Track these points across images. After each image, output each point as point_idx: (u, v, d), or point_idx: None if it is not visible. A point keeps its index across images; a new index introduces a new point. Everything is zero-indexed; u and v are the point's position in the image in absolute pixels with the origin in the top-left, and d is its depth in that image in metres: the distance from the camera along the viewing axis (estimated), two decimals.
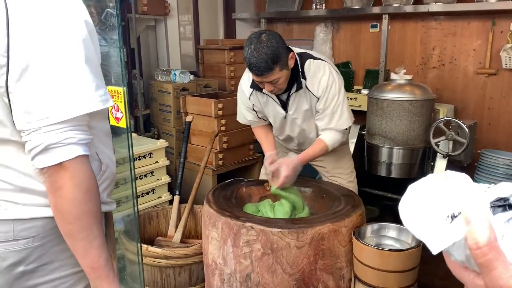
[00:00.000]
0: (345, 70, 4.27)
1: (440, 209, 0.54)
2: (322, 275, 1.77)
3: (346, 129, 2.20)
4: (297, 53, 2.05)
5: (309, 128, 2.24)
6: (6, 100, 0.89)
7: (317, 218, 1.80)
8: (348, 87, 4.22)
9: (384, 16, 3.68)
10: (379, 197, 3.62)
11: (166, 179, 2.92)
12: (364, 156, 3.50)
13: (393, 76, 3.26)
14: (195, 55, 4.28)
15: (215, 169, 3.25)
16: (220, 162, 3.26)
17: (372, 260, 1.64)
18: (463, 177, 0.58)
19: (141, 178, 2.77)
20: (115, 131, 1.92)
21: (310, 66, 2.05)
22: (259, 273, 1.76)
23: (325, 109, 2.08)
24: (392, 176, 3.34)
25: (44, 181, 0.93)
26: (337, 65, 4.30)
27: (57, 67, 0.88)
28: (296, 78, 2.04)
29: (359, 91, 4.04)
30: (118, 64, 1.80)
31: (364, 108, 3.70)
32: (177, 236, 2.57)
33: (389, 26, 3.79)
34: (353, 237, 1.72)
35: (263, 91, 2.07)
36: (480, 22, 3.48)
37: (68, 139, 0.89)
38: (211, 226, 1.89)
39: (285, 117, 2.19)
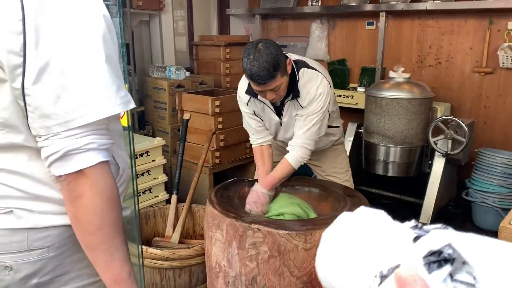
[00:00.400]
0: (341, 67, 4.25)
1: (366, 265, 0.47)
2: None
3: (310, 145, 2.08)
4: (293, 60, 2.03)
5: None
6: (22, 104, 0.82)
7: (324, 219, 1.77)
8: (344, 85, 4.21)
9: (381, 13, 3.66)
10: (376, 195, 3.61)
11: (163, 178, 2.86)
12: (362, 154, 3.48)
13: (391, 74, 3.24)
14: (189, 51, 4.21)
15: (211, 167, 3.20)
16: (217, 161, 3.20)
17: None
18: (381, 216, 0.52)
19: (138, 177, 2.70)
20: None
21: (303, 74, 2.03)
22: (265, 276, 1.72)
23: (303, 115, 2.05)
24: (390, 174, 3.33)
25: (61, 188, 0.86)
26: (333, 63, 4.29)
27: (77, 67, 0.81)
28: (293, 86, 2.00)
29: (355, 88, 4.01)
30: (120, 60, 1.74)
31: (360, 106, 3.69)
32: (175, 237, 2.52)
33: (386, 24, 3.77)
34: None
35: (258, 97, 2.05)
36: (477, 20, 3.48)
37: (88, 144, 0.83)
38: (215, 228, 1.84)
39: (280, 123, 2.17)
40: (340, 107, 4.06)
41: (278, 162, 2.15)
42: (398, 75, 3.21)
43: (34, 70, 0.78)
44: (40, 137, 0.83)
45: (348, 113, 4.09)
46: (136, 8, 3.35)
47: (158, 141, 2.80)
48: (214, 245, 1.86)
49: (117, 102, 0.86)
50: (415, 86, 3.18)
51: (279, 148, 2.45)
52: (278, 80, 1.88)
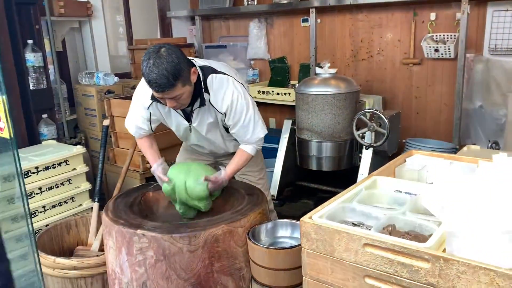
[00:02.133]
0: (281, 65, 4.27)
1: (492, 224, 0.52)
2: (220, 277, 1.75)
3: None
4: (199, 66, 1.98)
5: (215, 137, 2.21)
6: None
7: (211, 220, 1.78)
8: (285, 83, 4.23)
9: (311, 10, 3.68)
10: (314, 190, 3.65)
11: (86, 186, 2.83)
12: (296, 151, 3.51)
13: (317, 70, 3.27)
14: (128, 56, 4.19)
15: (142, 172, 3.19)
16: (148, 165, 3.19)
17: (263, 259, 1.63)
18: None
19: (57, 187, 2.68)
20: (2, 142, 1.84)
21: (212, 81, 1.99)
22: (154, 281, 1.72)
23: (236, 124, 2.06)
24: (323, 169, 3.36)
25: None
26: (273, 61, 4.30)
27: None
28: (199, 94, 1.96)
29: (294, 86, 4.04)
30: None
31: None
32: (95, 245, 2.50)
33: (318, 20, 3.81)
34: (246, 238, 1.71)
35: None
36: (403, 13, 3.53)
37: None
38: (107, 235, 1.84)
39: (189, 128, 2.14)
40: (279, 105, 4.14)
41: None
42: (324, 71, 3.24)
43: None
44: None
45: (289, 110, 4.12)
46: (59, 16, 3.31)
47: (78, 149, 2.77)
48: (108, 253, 1.86)
49: None
50: (341, 81, 3.21)
51: (195, 155, 2.45)
52: (178, 90, 1.81)
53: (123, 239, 1.73)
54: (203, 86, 1.97)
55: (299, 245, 1.62)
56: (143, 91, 2.07)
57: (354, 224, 1.09)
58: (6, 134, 1.84)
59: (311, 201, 3.58)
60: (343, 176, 3.67)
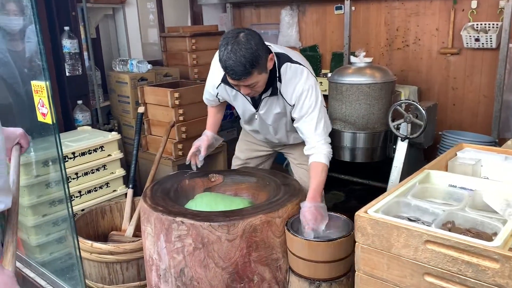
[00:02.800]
0: (312, 53, 4.20)
1: None
2: (257, 267, 1.75)
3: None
4: (275, 53, 1.90)
5: (279, 128, 2.16)
6: None
7: (249, 210, 1.77)
8: (316, 72, 4.16)
9: None
10: (344, 181, 3.60)
11: (121, 172, 2.86)
12: None
13: (352, 59, 3.20)
14: (160, 43, 4.20)
15: (175, 160, 3.20)
16: (180, 153, 3.21)
17: (302, 251, 1.61)
18: None
19: (93, 172, 2.72)
20: (44, 128, 1.87)
21: (286, 70, 1.91)
22: (192, 268, 1.73)
23: (302, 117, 1.95)
24: (356, 160, 3.30)
25: None
26: (304, 49, 4.24)
27: None
28: (272, 82, 1.90)
29: (326, 75, 3.98)
30: (39, 58, 1.74)
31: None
32: (130, 230, 2.54)
33: (353, 8, 3.72)
34: (285, 228, 1.69)
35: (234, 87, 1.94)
36: (442, 0, 3.41)
37: None
38: (146, 222, 1.85)
39: (255, 115, 2.10)
40: None
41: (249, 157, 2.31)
42: (359, 60, 3.16)
43: None
44: None
45: None
46: (94, 3, 3.33)
47: (113, 135, 2.80)
48: (146, 239, 1.88)
49: None
50: (376, 70, 3.13)
51: (252, 142, 2.44)
52: (254, 77, 1.75)
53: (162, 226, 1.74)
54: (277, 75, 1.90)
55: (340, 237, 1.61)
56: (215, 69, 2.04)
57: (409, 220, 1.06)
58: (48, 120, 1.87)
59: (342, 193, 3.53)
60: (375, 168, 3.61)
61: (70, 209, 1.89)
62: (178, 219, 1.70)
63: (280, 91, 1.93)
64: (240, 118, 2.33)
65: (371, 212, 1.04)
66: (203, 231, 1.67)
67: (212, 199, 1.98)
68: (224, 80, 1.97)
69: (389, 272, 1.00)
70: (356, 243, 1.09)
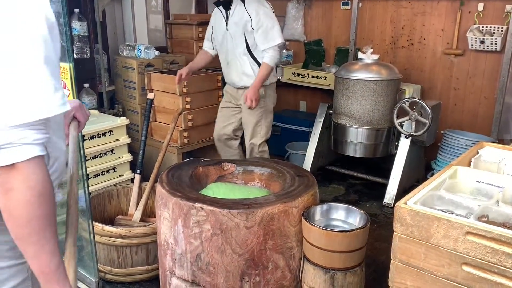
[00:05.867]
0: (316, 48, 4.23)
1: None
2: (272, 255, 1.78)
3: (279, 46, 2.84)
4: None
5: (238, 44, 2.84)
6: None
7: (267, 199, 1.80)
8: (320, 66, 4.20)
9: None
10: (345, 175, 3.66)
11: (128, 157, 2.87)
12: (331, 135, 3.51)
13: (360, 55, 3.24)
14: (165, 30, 4.18)
15: (180, 147, 3.22)
16: (186, 141, 3.22)
17: (319, 241, 1.65)
18: None
19: (101, 156, 2.73)
20: None
21: None
22: (209, 253, 1.76)
23: (259, 28, 2.74)
24: (357, 155, 3.37)
25: None
26: (309, 43, 4.27)
27: (14, 68, 0.83)
28: None
29: (329, 69, 4.01)
30: (63, 39, 1.74)
31: (333, 87, 3.69)
32: (137, 215, 2.55)
33: (360, 4, 3.76)
34: (302, 218, 1.73)
35: (220, 7, 2.86)
36: (449, 1, 3.47)
37: (22, 139, 0.84)
38: (162, 206, 1.87)
39: (227, 29, 2.84)
40: (311, 89, 4.12)
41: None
42: (366, 56, 3.21)
43: None
44: None
45: (322, 94, 4.11)
46: None
47: (122, 120, 2.80)
48: (162, 224, 1.90)
49: (54, 104, 0.87)
50: (383, 67, 3.18)
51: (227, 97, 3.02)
52: None
53: (180, 211, 1.77)
54: None
55: (357, 229, 1.65)
56: (213, 12, 2.99)
57: (443, 212, 1.11)
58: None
59: (342, 187, 3.59)
60: (375, 163, 3.68)
61: (86, 189, 1.90)
62: (198, 205, 1.73)
63: (244, 5, 2.76)
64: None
65: (411, 204, 1.09)
66: (222, 218, 1.70)
67: (229, 189, 2.01)
68: (217, 2, 2.87)
69: (426, 262, 1.05)
70: (394, 233, 1.14)
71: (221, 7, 2.87)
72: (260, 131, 2.93)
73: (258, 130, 2.92)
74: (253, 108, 2.80)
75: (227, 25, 2.83)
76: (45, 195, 0.90)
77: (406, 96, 3.30)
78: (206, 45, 3.06)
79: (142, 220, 2.55)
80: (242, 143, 3.13)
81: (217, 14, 2.92)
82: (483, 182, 1.23)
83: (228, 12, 2.82)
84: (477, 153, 1.47)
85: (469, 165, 1.41)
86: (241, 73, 2.87)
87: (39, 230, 0.90)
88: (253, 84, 2.77)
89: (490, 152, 1.43)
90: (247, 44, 2.81)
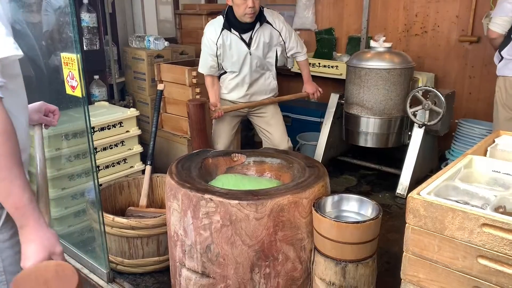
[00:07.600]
0: (328, 37, 4.17)
1: None
2: (282, 246, 1.77)
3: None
4: None
5: (265, 63, 2.81)
6: None
7: (277, 190, 1.78)
8: (331, 55, 4.14)
9: None
10: (357, 166, 3.61)
11: (138, 148, 2.87)
12: (342, 125, 3.47)
13: (372, 43, 3.18)
14: (174, 20, 4.15)
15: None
16: None
17: (330, 232, 1.63)
18: None
19: (111, 148, 2.73)
20: (72, 100, 1.87)
21: (265, 11, 2.74)
22: (218, 245, 1.75)
23: (290, 37, 2.82)
24: (369, 145, 3.32)
25: None
26: (320, 32, 4.21)
27: None
28: (260, 16, 2.65)
29: (340, 58, 3.96)
30: (71, 30, 1.73)
31: (345, 76, 3.64)
32: (143, 201, 2.55)
33: None
34: (313, 209, 1.71)
35: (232, 30, 2.65)
36: None
37: None
38: (172, 198, 1.86)
39: (249, 53, 2.70)
40: (322, 78, 4.06)
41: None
42: (379, 44, 3.15)
43: None
44: None
45: (333, 84, 4.05)
46: None
47: (132, 111, 2.80)
48: (172, 215, 1.89)
49: (8, 45, 0.94)
50: (396, 56, 3.12)
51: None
52: None
53: (190, 203, 1.75)
54: (261, 8, 2.70)
55: (369, 220, 1.62)
56: (210, 31, 2.70)
57: (458, 203, 1.07)
58: (78, 93, 1.87)
59: (354, 177, 3.55)
60: (387, 154, 3.63)
61: (96, 181, 1.90)
62: (207, 196, 1.71)
63: (267, 20, 2.70)
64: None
65: (424, 194, 1.06)
66: (232, 209, 1.68)
67: (238, 180, 1.99)
68: (224, 26, 2.64)
69: (440, 254, 1.02)
70: (407, 225, 1.11)
71: (233, 30, 2.66)
72: (285, 131, 3.02)
73: (285, 131, 3.01)
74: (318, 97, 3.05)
75: (249, 47, 2.69)
76: (8, 133, 0.96)
77: (420, 84, 3.23)
78: (212, 71, 2.80)
79: (149, 206, 2.55)
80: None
81: (226, 36, 2.67)
82: (500, 172, 1.19)
83: (252, 33, 2.67)
84: (494, 142, 1.42)
85: (485, 154, 1.37)
86: (268, 90, 2.92)
87: (5, 167, 0.96)
88: (308, 79, 3.02)
89: (507, 141, 1.38)
90: (276, 58, 2.87)
